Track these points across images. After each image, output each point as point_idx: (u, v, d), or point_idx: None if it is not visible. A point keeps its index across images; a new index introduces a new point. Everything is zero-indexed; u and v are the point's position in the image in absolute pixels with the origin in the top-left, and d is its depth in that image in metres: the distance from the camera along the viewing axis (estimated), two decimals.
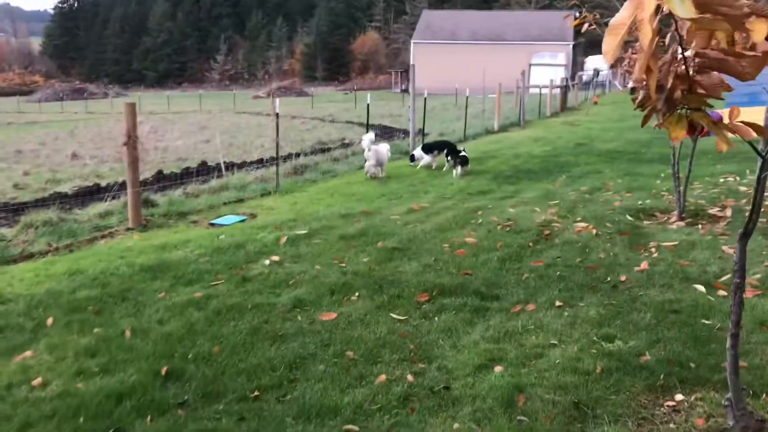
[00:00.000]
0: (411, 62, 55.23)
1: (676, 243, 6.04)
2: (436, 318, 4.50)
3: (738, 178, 9.61)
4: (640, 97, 2.75)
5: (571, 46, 55.98)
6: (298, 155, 14.24)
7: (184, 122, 32.05)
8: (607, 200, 8.40)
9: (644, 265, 5.46)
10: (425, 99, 16.49)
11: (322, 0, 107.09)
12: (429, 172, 12.03)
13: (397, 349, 4.02)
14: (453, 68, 49.48)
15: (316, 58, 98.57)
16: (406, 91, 58.07)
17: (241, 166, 13.65)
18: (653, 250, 5.90)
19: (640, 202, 8.12)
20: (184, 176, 12.56)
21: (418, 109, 15.14)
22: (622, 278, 5.16)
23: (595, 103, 31.41)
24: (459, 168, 11.37)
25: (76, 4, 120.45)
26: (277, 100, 10.59)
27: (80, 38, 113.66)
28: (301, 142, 19.29)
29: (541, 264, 5.59)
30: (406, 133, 20.97)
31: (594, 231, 6.63)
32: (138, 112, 8.53)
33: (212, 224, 8.31)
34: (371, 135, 11.56)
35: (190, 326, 4.48)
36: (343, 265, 5.78)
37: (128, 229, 8.03)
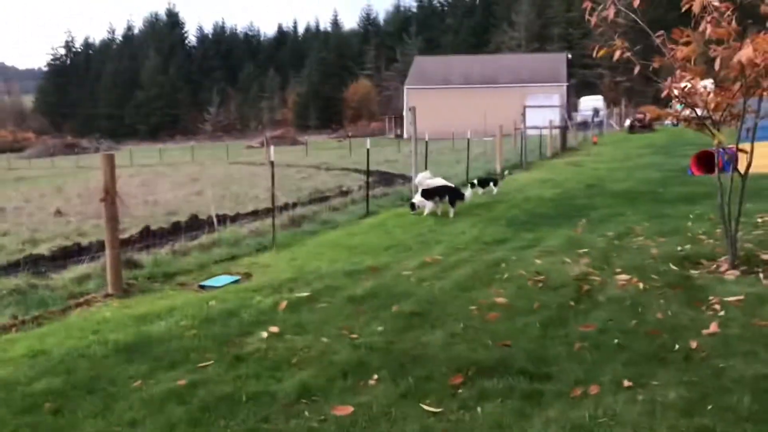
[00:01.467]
0: (406, 106, 54.84)
1: (741, 297, 5.18)
2: (479, 408, 3.57)
3: None
4: None
5: (564, 87, 55.99)
6: (295, 205, 13.44)
7: (176, 174, 31.34)
8: (642, 247, 7.56)
9: (714, 326, 4.58)
10: (426, 143, 15.79)
11: (313, 50, 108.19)
12: (437, 219, 11.19)
13: None
14: (447, 112, 49.24)
15: (308, 107, 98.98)
16: (400, 136, 57.81)
17: (235, 218, 12.80)
18: (717, 307, 5.03)
19: (679, 248, 7.27)
20: (172, 232, 11.69)
21: (419, 154, 14.40)
22: (693, 345, 4.27)
23: (595, 143, 30.92)
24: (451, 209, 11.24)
25: (68, 61, 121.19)
26: (272, 147, 9.81)
27: (72, 94, 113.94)
28: (297, 191, 18.51)
29: (591, 329, 4.70)
30: (404, 178, 20.28)
31: (640, 285, 5.76)
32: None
33: (202, 287, 7.41)
34: (426, 173, 12.53)
35: (170, 429, 3.55)
36: (355, 336, 4.87)
37: (107, 295, 7.11)
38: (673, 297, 5.39)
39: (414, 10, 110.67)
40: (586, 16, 6.47)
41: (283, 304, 5.82)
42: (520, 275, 6.43)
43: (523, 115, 22.75)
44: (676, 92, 6.05)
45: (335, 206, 13.56)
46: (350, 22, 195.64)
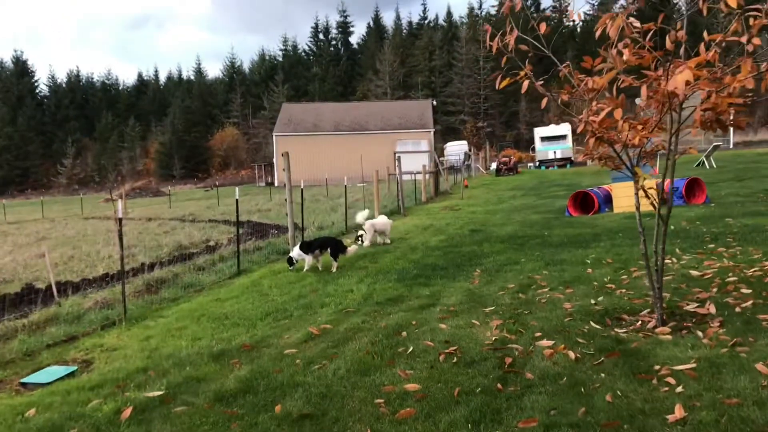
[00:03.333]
0: (276, 153, 53.46)
1: (693, 366, 4.37)
2: None
3: (674, 259, 8.40)
4: None
5: (432, 132, 57.03)
6: (152, 266, 11.71)
7: (21, 233, 27.99)
8: (551, 301, 6.76)
9: (679, 410, 3.70)
10: (302, 190, 14.62)
11: (176, 98, 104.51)
12: (318, 275, 9.97)
13: None
14: (318, 159, 48.45)
15: (172, 156, 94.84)
16: (271, 184, 56.23)
17: (80, 286, 10.91)
18: (670, 380, 4.18)
19: (593, 301, 6.52)
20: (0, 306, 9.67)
21: (294, 202, 13.17)
22: None
23: (466, 186, 31.07)
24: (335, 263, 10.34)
25: None
26: (119, 201, 8.22)
27: None
28: (157, 248, 16.60)
29: (534, 425, 3.67)
30: (279, 228, 18.94)
31: (570, 353, 4.86)
32: None
33: (23, 384, 5.76)
34: (365, 212, 13.70)
35: None
36: None
37: None
38: (613, 368, 4.51)
39: (279, 58, 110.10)
40: (487, 42, 5.65)
41: (128, 410, 4.38)
42: (427, 347, 5.36)
43: (398, 160, 22.18)
44: (589, 127, 5.28)
45: (201, 265, 11.98)
46: (214, 70, 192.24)
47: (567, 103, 5.61)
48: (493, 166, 48.80)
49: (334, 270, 10.15)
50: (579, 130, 5.30)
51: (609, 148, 5.64)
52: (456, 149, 53.78)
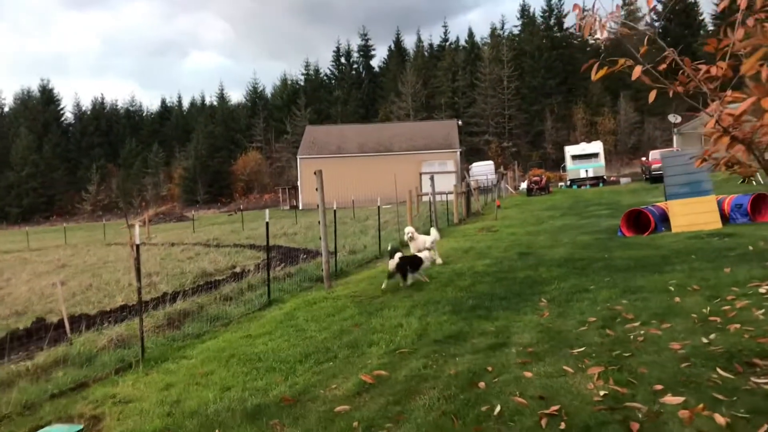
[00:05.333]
0: (300, 176, 52.63)
1: None
2: None
3: None
4: None
5: (458, 152, 55.97)
6: (175, 297, 10.69)
7: (41, 260, 27.31)
8: (652, 340, 5.58)
9: None
10: (335, 211, 13.60)
11: (199, 124, 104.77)
12: (358, 304, 8.86)
13: None
14: (342, 181, 47.53)
15: (196, 181, 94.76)
16: (295, 207, 55.44)
17: (95, 319, 9.92)
18: None
19: (705, 341, 5.34)
20: (6, 344, 8.70)
21: (327, 224, 12.13)
22: None
23: (498, 206, 29.87)
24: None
25: None
26: (137, 226, 7.22)
27: None
28: (180, 275, 15.65)
29: None
30: (308, 252, 17.90)
31: (718, 418, 3.69)
32: None
33: None
34: (434, 231, 13.41)
35: None
36: None
37: None
38: None
39: (302, 83, 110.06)
40: (577, 25, 4.58)
41: None
42: (519, 405, 4.23)
43: (431, 179, 21.11)
44: (722, 123, 4.14)
45: (227, 294, 10.94)
46: (237, 95, 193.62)
47: (689, 92, 4.46)
48: (523, 185, 47.55)
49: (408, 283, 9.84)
50: (707, 128, 4.16)
51: (743, 150, 4.47)
52: (482, 170, 52.64)
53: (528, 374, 4.89)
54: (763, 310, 6.07)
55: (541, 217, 23.09)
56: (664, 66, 4.59)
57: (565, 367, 4.97)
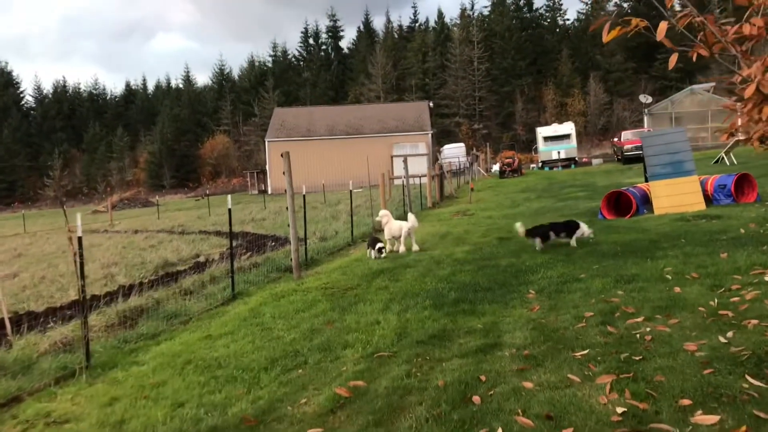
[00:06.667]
0: (269, 159, 51.61)
1: None
2: None
3: None
4: None
5: (430, 134, 55.27)
6: (130, 290, 9.85)
7: None
8: (662, 339, 4.96)
9: None
10: (304, 197, 12.83)
11: (165, 107, 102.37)
12: (330, 296, 8.14)
13: None
14: (312, 164, 46.60)
15: (162, 165, 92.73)
16: (264, 192, 54.28)
17: (43, 316, 9.05)
18: None
19: (723, 340, 4.73)
20: None
21: (296, 210, 11.34)
22: None
23: (472, 189, 29.31)
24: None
25: None
26: (78, 216, 6.39)
27: None
28: (141, 266, 14.74)
29: None
30: (276, 240, 17.11)
31: None
32: None
33: None
34: (411, 216, 12.21)
35: None
36: None
37: None
38: None
39: (269, 64, 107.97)
40: None
41: None
42: (524, 427, 3.56)
43: (405, 162, 20.37)
44: (763, 89, 3.49)
45: (188, 288, 10.12)
46: (203, 78, 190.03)
47: (714, 55, 3.78)
48: (495, 167, 47.13)
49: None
50: (748, 92, 3.49)
51: None
52: (453, 152, 52.10)
53: (528, 384, 4.23)
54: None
55: (517, 200, 22.56)
56: (683, 23, 3.91)
57: (569, 375, 4.32)
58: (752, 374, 4.00)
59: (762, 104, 3.55)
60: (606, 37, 4.00)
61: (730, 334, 4.85)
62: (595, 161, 46.04)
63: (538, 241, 10.34)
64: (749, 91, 3.45)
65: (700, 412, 3.51)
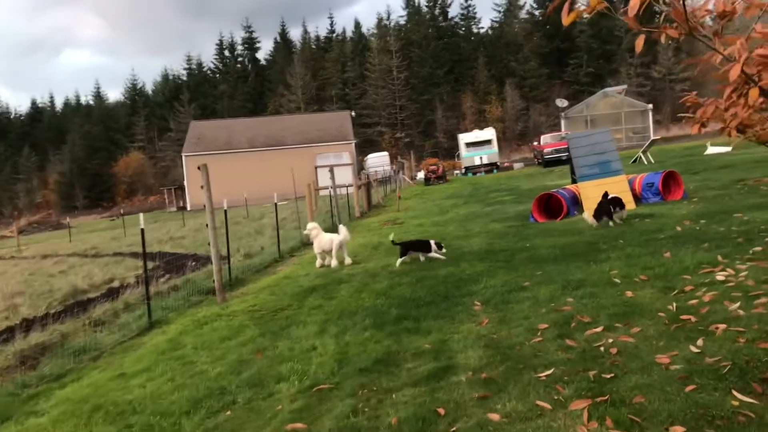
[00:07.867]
0: (186, 175, 49.81)
1: None
2: None
3: (731, 271, 6.41)
4: None
5: (353, 144, 54.81)
6: (30, 325, 8.81)
7: None
8: (629, 352, 4.56)
9: None
10: (225, 212, 12.01)
11: (75, 125, 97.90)
12: (261, 325, 7.42)
13: None
14: (233, 178, 45.24)
15: (74, 185, 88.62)
16: (183, 208, 52.40)
17: None
18: None
19: (695, 350, 4.35)
20: None
21: (217, 226, 10.51)
22: None
23: (399, 198, 28.97)
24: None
25: None
26: None
27: None
28: (48, 294, 13.51)
29: None
30: (197, 259, 16.13)
31: None
32: None
33: None
34: (343, 228, 11.56)
35: None
36: None
37: None
38: None
39: (184, 77, 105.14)
40: None
41: None
42: None
43: (331, 171, 19.74)
44: (750, 69, 3.09)
45: (100, 317, 9.16)
46: (115, 93, 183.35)
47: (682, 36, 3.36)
48: (420, 175, 47.12)
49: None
50: (733, 74, 3.08)
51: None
52: (377, 161, 51.84)
53: (494, 417, 3.70)
54: (738, 304, 5.21)
55: (445, 206, 22.31)
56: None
57: (538, 402, 3.82)
58: (738, 389, 3.60)
59: (744, 87, 3.17)
60: (566, 20, 3.54)
61: (700, 342, 4.48)
62: (516, 165, 46.73)
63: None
64: (734, 72, 3.05)
65: None
